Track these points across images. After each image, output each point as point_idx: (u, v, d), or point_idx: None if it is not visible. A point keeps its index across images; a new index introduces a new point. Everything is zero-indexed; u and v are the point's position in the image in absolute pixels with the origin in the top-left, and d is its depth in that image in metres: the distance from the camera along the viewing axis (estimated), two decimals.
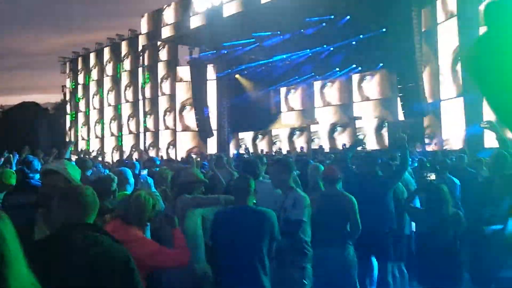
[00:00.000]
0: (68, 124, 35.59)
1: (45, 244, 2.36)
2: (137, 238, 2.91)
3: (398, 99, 18.10)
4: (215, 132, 25.82)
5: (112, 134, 31.14)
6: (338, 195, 4.70)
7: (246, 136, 25.24)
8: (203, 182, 4.54)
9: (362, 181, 5.26)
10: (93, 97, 33.13)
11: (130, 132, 29.92)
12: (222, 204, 4.24)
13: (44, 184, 3.12)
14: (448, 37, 15.69)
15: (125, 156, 20.37)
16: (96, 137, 32.33)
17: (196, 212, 4.21)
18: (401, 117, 18.81)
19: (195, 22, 22.51)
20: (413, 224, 5.59)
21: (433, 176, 4.85)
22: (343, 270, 4.53)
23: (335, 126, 22.37)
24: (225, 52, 23.80)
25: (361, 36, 20.23)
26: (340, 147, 19.31)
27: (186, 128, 26.79)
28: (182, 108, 26.86)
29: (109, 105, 31.62)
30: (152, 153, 26.99)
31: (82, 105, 34.28)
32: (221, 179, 5.56)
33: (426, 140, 16.68)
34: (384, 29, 18.40)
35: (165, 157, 22.36)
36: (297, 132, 23.52)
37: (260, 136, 24.99)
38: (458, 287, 4.49)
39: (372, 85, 22.81)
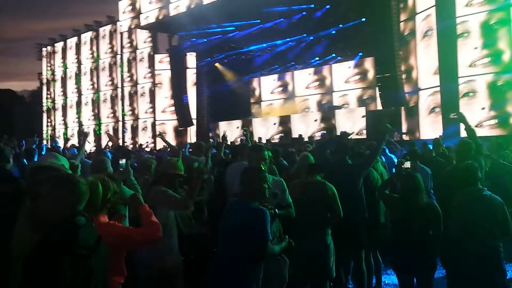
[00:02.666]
0: (44, 113, 35.04)
1: None
2: (99, 224, 2.85)
3: (377, 88, 18.24)
4: (194, 121, 25.68)
5: (90, 123, 30.78)
6: (318, 184, 4.74)
7: (226, 126, 25.17)
8: (181, 177, 4.46)
9: (332, 169, 5.29)
10: (70, 85, 32.65)
11: (108, 121, 29.61)
12: (190, 208, 4.18)
13: (37, 182, 3.04)
14: (426, 27, 15.83)
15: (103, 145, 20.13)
16: (73, 125, 31.90)
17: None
18: (379, 106, 18.99)
19: (175, 9, 22.28)
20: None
21: (407, 164, 4.90)
22: (320, 257, 4.60)
23: (314, 116, 22.42)
24: (205, 40, 23.64)
25: (340, 25, 20.30)
26: (319, 136, 19.40)
27: (165, 117, 26.61)
28: (161, 96, 26.65)
29: (87, 93, 31.21)
30: (129, 141, 26.85)
31: (58, 92, 33.76)
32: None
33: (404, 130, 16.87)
34: (363, 19, 18.49)
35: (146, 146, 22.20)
36: (277, 121, 23.52)
37: (239, 125, 24.92)
38: (432, 274, 4.58)
39: (351, 74, 22.93)
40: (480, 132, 12.68)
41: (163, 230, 3.55)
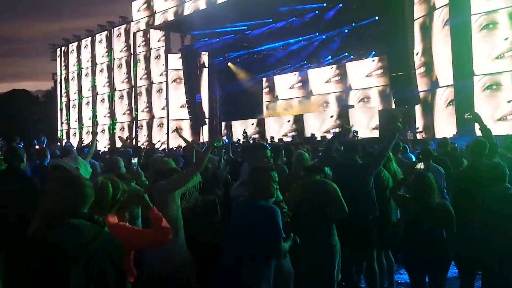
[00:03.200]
0: (58, 112, 35.37)
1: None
2: (109, 224, 2.84)
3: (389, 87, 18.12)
4: (207, 121, 25.73)
5: (104, 123, 31.00)
6: (318, 183, 4.71)
7: (239, 124, 25.17)
8: (176, 171, 4.48)
9: (342, 169, 5.24)
10: (85, 83, 32.91)
11: (124, 119, 29.80)
12: (196, 175, 4.22)
13: (50, 180, 3.04)
14: (441, 25, 15.66)
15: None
16: (89, 123, 32.15)
17: (176, 194, 4.16)
18: (393, 105, 18.85)
19: (187, 9, 22.34)
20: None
21: (421, 165, 4.86)
22: (324, 258, 4.57)
23: (328, 114, 22.33)
24: (217, 40, 23.68)
25: (353, 24, 20.20)
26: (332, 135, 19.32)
27: (178, 117, 26.70)
28: (177, 95, 26.76)
29: (102, 90, 31.43)
30: (143, 141, 27.01)
31: (73, 93, 34.04)
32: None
33: (418, 129, 16.72)
34: (376, 17, 18.36)
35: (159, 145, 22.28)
36: (290, 120, 23.47)
37: (252, 124, 24.92)
38: (444, 275, 4.54)
39: (365, 73, 22.78)
40: (501, 128, 12.57)
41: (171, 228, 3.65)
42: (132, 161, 4.65)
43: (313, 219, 4.53)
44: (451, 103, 15.15)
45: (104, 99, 31.31)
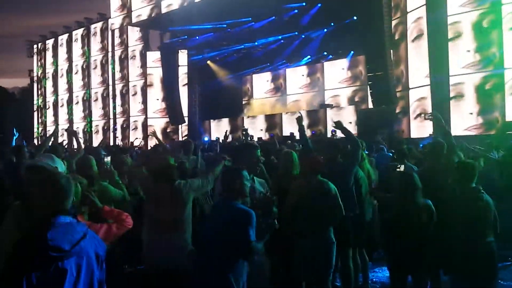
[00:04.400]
0: (35, 109, 34.85)
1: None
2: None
3: (368, 87, 18.24)
4: (186, 119, 25.60)
5: (81, 121, 30.65)
6: (320, 183, 4.74)
7: (217, 123, 25.13)
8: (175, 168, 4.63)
9: (324, 167, 5.28)
10: (61, 83, 32.48)
11: (99, 119, 29.50)
12: (211, 183, 4.57)
13: (29, 180, 3.02)
14: (417, 25, 15.88)
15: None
16: (64, 124, 31.71)
17: (191, 195, 4.44)
18: (370, 105, 19.00)
19: (167, 7, 22.17)
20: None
21: (402, 168, 4.96)
22: (324, 255, 4.63)
23: (306, 113, 22.42)
24: (197, 38, 23.57)
25: (332, 24, 20.33)
26: (310, 135, 19.40)
27: (156, 115, 26.56)
28: (153, 96, 26.62)
29: (78, 91, 31.06)
30: (119, 139, 26.78)
31: (49, 90, 33.56)
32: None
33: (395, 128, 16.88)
34: (355, 17, 18.48)
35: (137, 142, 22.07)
36: (269, 119, 23.51)
37: (231, 123, 24.90)
38: (427, 274, 4.63)
39: (343, 73, 22.94)
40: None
41: (181, 225, 4.19)
42: (105, 159, 4.61)
43: (314, 219, 4.61)
44: (421, 113, 15.41)
45: (79, 100, 30.97)
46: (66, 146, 13.11)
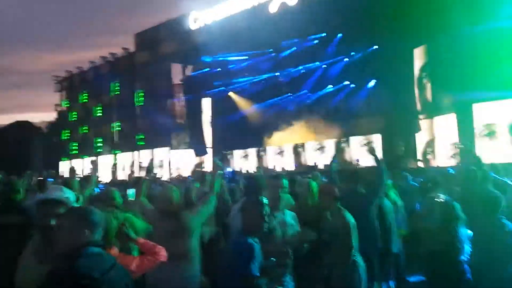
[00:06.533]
0: (62, 143, 35.50)
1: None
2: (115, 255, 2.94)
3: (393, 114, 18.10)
4: (209, 150, 25.72)
5: (107, 153, 31.04)
6: (340, 211, 4.67)
7: (240, 154, 25.19)
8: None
9: (344, 198, 5.15)
10: (87, 116, 33.09)
11: (125, 151, 29.83)
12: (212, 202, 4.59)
13: (45, 214, 3.05)
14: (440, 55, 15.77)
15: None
16: (91, 155, 32.15)
17: (198, 224, 4.47)
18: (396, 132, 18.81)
19: (189, 39, 22.58)
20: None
21: (442, 196, 4.82)
22: (352, 279, 4.51)
23: (328, 143, 22.29)
24: (219, 69, 23.87)
25: (352, 53, 20.40)
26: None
27: (180, 146, 26.72)
28: (178, 125, 26.86)
29: (104, 123, 31.56)
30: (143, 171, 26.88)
31: (76, 124, 34.19)
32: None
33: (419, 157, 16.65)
34: (376, 46, 18.53)
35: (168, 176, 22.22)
36: (292, 149, 23.46)
37: (255, 153, 24.91)
38: None
39: (366, 101, 22.78)
40: None
41: (190, 254, 4.18)
42: (127, 191, 4.63)
43: (340, 246, 4.50)
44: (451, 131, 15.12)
45: (106, 130, 31.39)
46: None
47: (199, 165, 7.80)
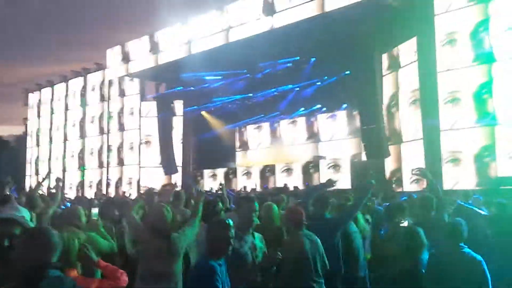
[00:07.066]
0: (29, 157, 34.74)
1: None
2: (75, 278, 2.88)
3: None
4: (179, 169, 25.57)
5: (75, 169, 30.49)
6: (309, 236, 4.68)
7: (211, 173, 25.14)
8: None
9: (310, 222, 5.16)
10: (56, 130, 32.52)
11: (94, 171, 29.34)
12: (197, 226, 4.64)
13: (4, 234, 2.99)
14: (409, 81, 16.17)
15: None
16: (58, 171, 31.53)
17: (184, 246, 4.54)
18: (364, 157, 19.09)
19: (163, 58, 22.57)
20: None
21: (405, 223, 4.91)
22: None
23: (301, 165, 22.46)
24: (192, 88, 23.90)
25: (325, 77, 20.74)
26: (303, 186, 19.38)
27: (150, 164, 26.44)
28: (147, 143, 26.63)
29: (72, 138, 31.06)
30: (111, 188, 26.60)
31: (44, 138, 33.55)
32: None
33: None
34: (348, 72, 18.90)
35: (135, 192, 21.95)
36: (261, 171, 23.53)
37: (224, 173, 24.89)
38: None
39: (337, 125, 23.14)
40: None
41: (174, 277, 4.26)
42: (92, 211, 4.57)
43: (304, 272, 4.52)
44: (418, 158, 15.40)
45: (74, 145, 30.88)
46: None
47: (169, 185, 7.72)
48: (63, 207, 6.87)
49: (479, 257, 4.31)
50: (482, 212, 6.99)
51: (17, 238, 2.68)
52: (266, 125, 26.02)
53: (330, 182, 5.62)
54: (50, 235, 2.51)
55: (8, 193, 7.45)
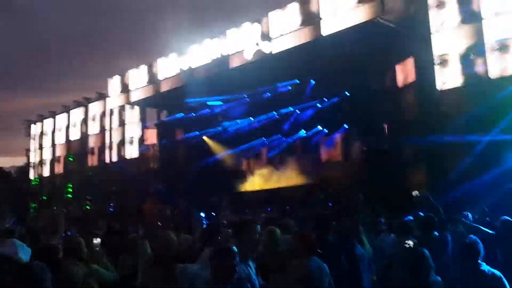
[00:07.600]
0: (30, 190, 34.70)
1: None
2: None
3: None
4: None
5: (78, 199, 30.39)
6: (315, 262, 4.60)
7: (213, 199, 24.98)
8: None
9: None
10: (58, 161, 32.54)
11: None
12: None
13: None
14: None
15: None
16: (60, 202, 31.39)
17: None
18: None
19: (163, 85, 22.71)
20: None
21: (411, 242, 4.84)
22: None
23: (304, 188, 22.33)
24: (193, 114, 23.97)
25: (325, 99, 20.81)
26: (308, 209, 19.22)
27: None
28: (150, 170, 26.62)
29: (75, 169, 31.05)
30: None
31: (46, 169, 33.54)
32: None
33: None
34: (347, 92, 18.97)
35: None
36: (266, 194, 23.39)
37: (228, 198, 24.74)
38: None
39: (339, 146, 23.06)
40: None
41: None
42: (94, 241, 4.52)
43: None
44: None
45: (77, 176, 30.83)
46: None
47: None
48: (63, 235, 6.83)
49: (498, 273, 4.25)
50: (489, 231, 6.90)
51: (7, 275, 2.59)
52: (267, 149, 25.94)
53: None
54: (39, 271, 2.53)
55: (7, 226, 7.43)
